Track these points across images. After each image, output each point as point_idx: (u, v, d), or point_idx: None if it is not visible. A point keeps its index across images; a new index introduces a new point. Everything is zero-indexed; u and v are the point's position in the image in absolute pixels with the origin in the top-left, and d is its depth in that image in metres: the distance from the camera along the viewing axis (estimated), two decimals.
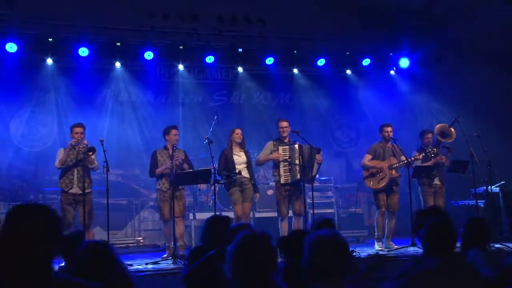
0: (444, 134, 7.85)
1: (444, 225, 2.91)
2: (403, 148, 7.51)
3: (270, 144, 7.27)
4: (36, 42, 8.38)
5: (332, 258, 2.29)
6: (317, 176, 8.10)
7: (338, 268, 2.29)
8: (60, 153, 6.83)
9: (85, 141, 6.70)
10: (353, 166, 10.30)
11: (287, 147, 7.16)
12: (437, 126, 8.02)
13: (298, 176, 7.01)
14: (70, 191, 6.69)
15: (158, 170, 6.95)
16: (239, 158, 7.11)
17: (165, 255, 6.92)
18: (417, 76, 10.17)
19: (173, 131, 7.03)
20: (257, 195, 7.37)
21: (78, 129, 6.78)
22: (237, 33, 9.24)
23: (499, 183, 8.38)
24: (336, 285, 2.28)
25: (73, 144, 6.71)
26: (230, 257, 2.27)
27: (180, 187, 6.99)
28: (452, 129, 7.82)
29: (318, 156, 7.05)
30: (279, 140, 7.29)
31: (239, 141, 7.14)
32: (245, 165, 7.11)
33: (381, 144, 7.58)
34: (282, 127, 7.25)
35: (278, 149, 7.13)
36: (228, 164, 7.03)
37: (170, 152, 6.87)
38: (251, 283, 2.22)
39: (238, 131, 7.21)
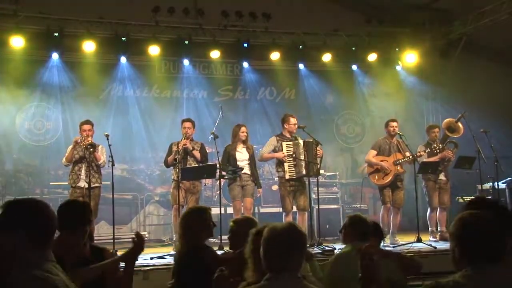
0: (451, 129, 7.81)
1: None
2: (409, 144, 7.46)
3: (273, 140, 7.25)
4: (41, 37, 8.38)
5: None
6: (322, 170, 8.04)
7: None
8: (68, 150, 6.93)
9: (89, 139, 6.74)
10: (358, 162, 10.27)
11: (291, 142, 7.13)
12: (445, 121, 8.00)
13: (304, 172, 7.00)
14: (78, 185, 6.80)
15: (169, 159, 7.08)
16: (241, 155, 7.15)
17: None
18: (423, 71, 10.11)
19: (184, 124, 7.17)
20: (260, 190, 7.40)
21: (86, 126, 6.89)
22: (242, 28, 9.20)
23: (506, 179, 8.31)
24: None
25: (78, 141, 6.80)
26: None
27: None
28: (460, 124, 7.78)
29: (318, 150, 7.02)
30: (282, 136, 7.27)
31: (244, 139, 7.17)
32: (247, 162, 7.14)
33: (386, 140, 7.54)
34: (293, 124, 7.18)
35: (281, 145, 7.10)
36: (230, 161, 7.09)
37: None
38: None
39: (243, 129, 7.20)
